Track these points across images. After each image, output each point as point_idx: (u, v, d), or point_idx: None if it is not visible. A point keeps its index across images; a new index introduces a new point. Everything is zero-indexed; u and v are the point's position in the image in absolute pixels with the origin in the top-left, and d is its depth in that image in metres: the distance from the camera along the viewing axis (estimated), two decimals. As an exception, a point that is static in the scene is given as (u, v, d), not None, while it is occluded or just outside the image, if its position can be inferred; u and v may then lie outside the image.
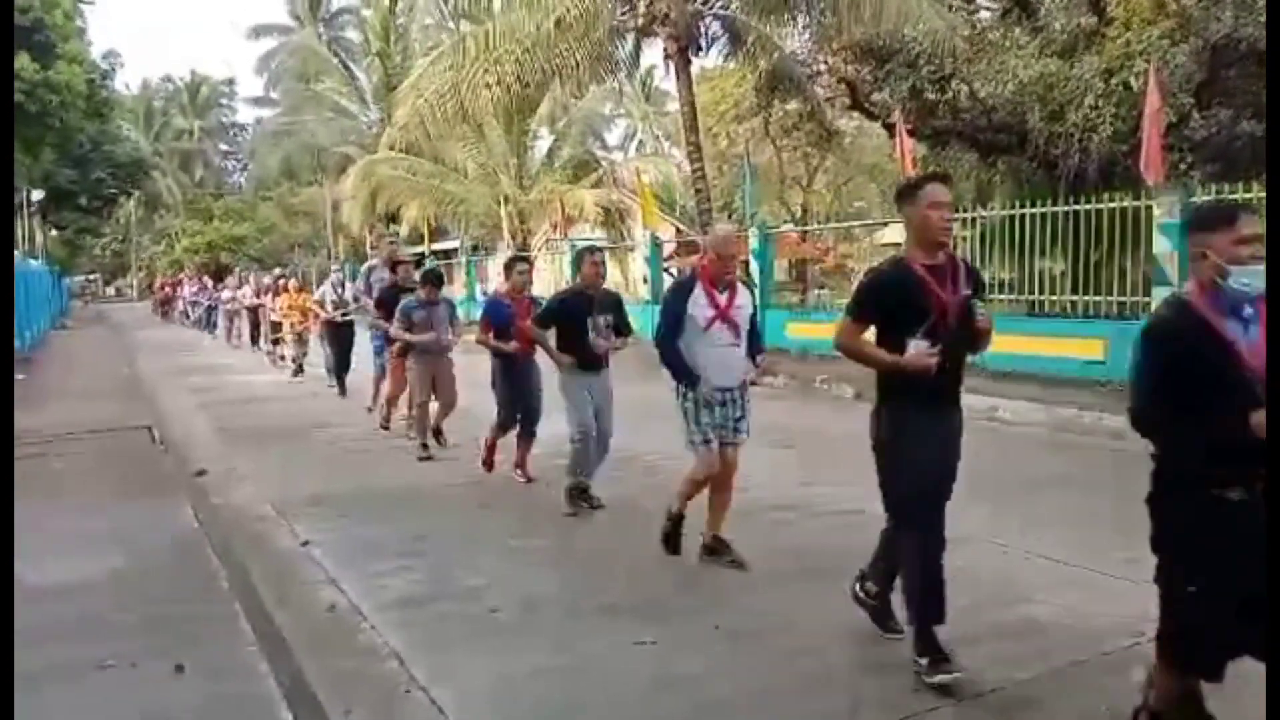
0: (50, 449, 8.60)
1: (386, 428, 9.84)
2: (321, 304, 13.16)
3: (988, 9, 18.58)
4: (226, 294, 23.89)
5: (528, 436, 7.33)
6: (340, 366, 12.76)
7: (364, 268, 11.24)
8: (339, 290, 13.01)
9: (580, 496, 6.38)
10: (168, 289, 39.09)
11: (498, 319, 7.14)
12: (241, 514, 6.69)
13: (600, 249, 6.89)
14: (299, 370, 15.72)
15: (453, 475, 7.69)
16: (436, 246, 30.08)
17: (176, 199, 64.71)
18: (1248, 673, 2.80)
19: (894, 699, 3.53)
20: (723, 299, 5.01)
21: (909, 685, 3.63)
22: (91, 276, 75.08)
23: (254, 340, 20.97)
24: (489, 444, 7.53)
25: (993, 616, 4.32)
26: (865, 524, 5.93)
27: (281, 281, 18.51)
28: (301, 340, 16.09)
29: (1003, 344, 11.80)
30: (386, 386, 10.06)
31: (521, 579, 5.09)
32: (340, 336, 12.82)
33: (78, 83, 29.08)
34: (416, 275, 9.94)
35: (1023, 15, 16.53)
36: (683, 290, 5.07)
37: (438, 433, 8.73)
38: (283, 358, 17.56)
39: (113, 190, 39.98)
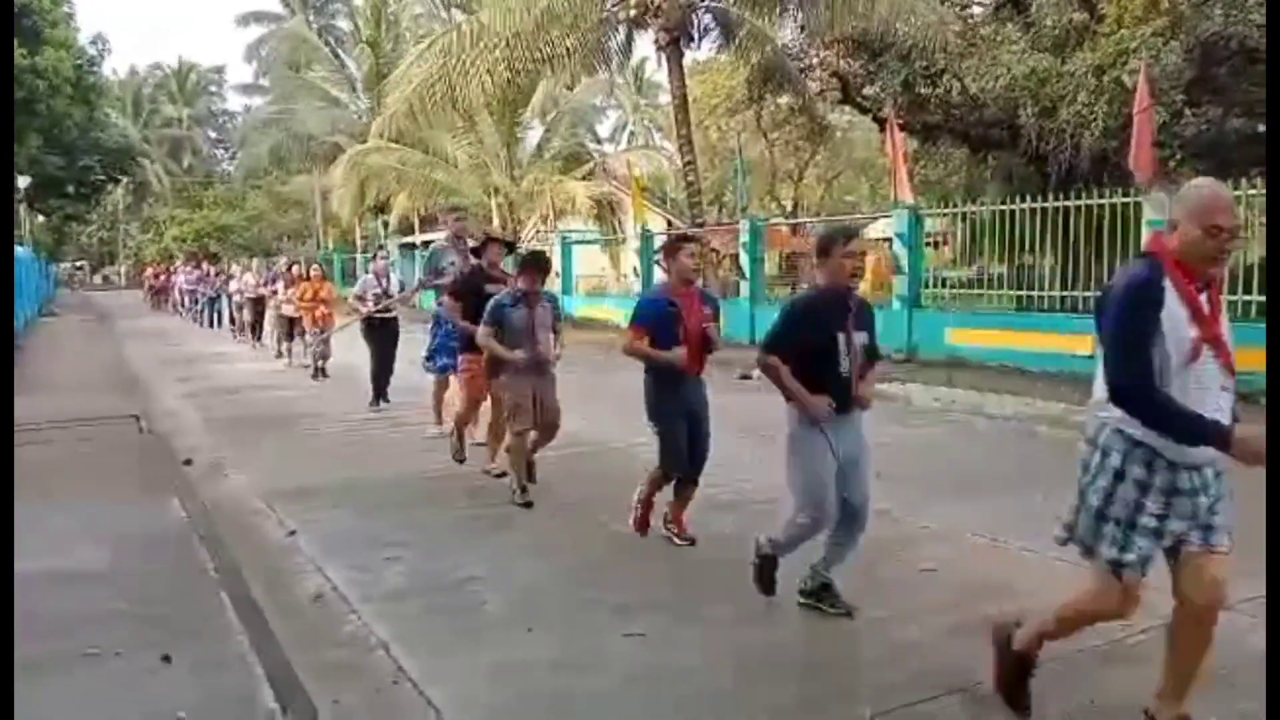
0: (36, 438, 8.54)
1: (462, 460, 7.53)
2: (362, 298, 10.78)
3: (980, 4, 18.61)
4: (234, 285, 21.34)
5: (690, 483, 5.47)
6: (382, 371, 10.66)
7: (429, 250, 8.91)
8: (384, 282, 10.89)
9: (823, 597, 4.35)
10: (161, 276, 37.10)
11: (656, 320, 5.21)
12: (229, 504, 6.66)
13: (857, 232, 4.57)
14: (319, 373, 13.56)
15: (444, 467, 7.66)
16: (426, 237, 29.98)
17: (165, 187, 64.42)
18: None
19: (882, 690, 3.53)
20: (1205, 305, 2.96)
21: (896, 677, 3.63)
22: (79, 264, 74.71)
23: (254, 334, 19.18)
24: (645, 500, 5.53)
25: (982, 610, 4.32)
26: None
27: (296, 268, 15.94)
28: (324, 338, 13.79)
29: (992, 338, 11.97)
30: (458, 403, 7.76)
31: (511, 571, 5.08)
32: (381, 336, 10.68)
33: (65, 68, 28.96)
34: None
35: (1015, 11, 16.55)
36: (1148, 291, 2.90)
37: (530, 467, 6.64)
38: (283, 354, 15.85)
39: (100, 177, 39.70)
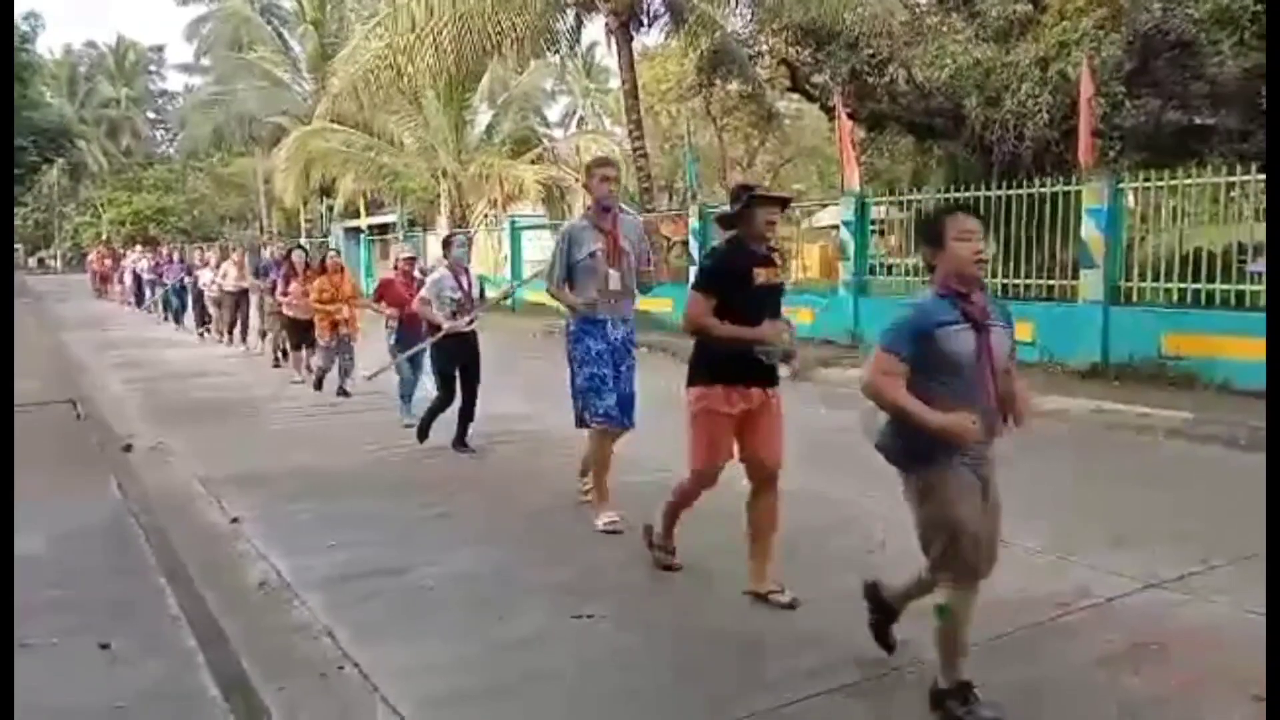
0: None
1: (677, 567, 4.74)
2: (428, 302, 7.57)
3: (926, -7, 18.77)
4: (207, 275, 17.02)
5: None
6: (458, 403, 7.60)
7: (562, 231, 5.75)
8: (464, 282, 7.61)
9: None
10: (106, 261, 33.96)
11: None
12: (171, 490, 6.55)
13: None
14: (341, 391, 10.48)
15: (390, 454, 7.61)
16: (373, 221, 29.61)
17: (103, 168, 62.91)
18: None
19: (824, 671, 3.58)
20: None
21: (839, 658, 3.68)
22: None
23: (230, 334, 16.11)
24: None
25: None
26: (800, 502, 6.03)
27: (298, 255, 12.07)
28: (344, 348, 10.54)
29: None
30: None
31: (458, 556, 5.06)
32: (459, 355, 7.56)
33: (-4, 45, 28.01)
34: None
35: (960, 1, 16.73)
36: None
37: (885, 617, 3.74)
38: (280, 362, 13.03)
39: (34, 158, 38.62)
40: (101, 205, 58.28)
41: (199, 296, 17.84)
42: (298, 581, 4.64)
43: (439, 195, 27.57)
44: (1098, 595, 4.27)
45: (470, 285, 7.66)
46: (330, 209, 34.97)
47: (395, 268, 9.45)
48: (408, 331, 8.64)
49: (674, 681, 3.61)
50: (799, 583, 4.36)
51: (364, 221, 28.54)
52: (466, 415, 7.58)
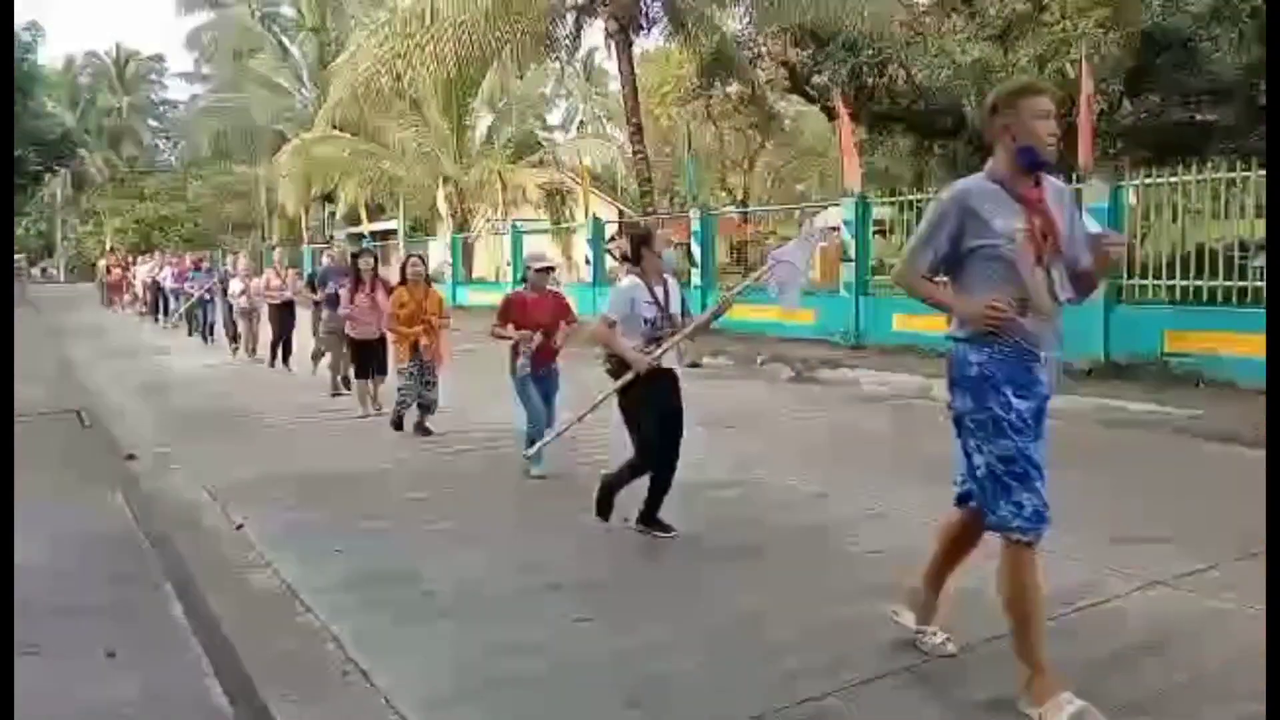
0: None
1: None
2: (613, 323, 5.26)
3: (926, -7, 18.81)
4: (236, 285, 15.16)
5: None
6: (660, 472, 5.32)
7: (954, 192, 3.48)
8: (659, 293, 5.35)
9: None
10: (115, 270, 31.82)
11: None
12: (176, 499, 6.56)
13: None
14: (422, 428, 8.60)
15: (393, 460, 7.62)
16: (374, 227, 29.66)
17: (105, 177, 63.10)
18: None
19: (829, 670, 3.58)
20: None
21: (842, 657, 3.68)
22: (16, 257, 72.83)
23: (280, 355, 13.67)
24: None
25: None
26: (802, 502, 6.05)
27: (366, 263, 9.81)
28: (426, 377, 8.61)
29: (937, 325, 12.11)
30: None
31: (460, 560, 5.07)
32: (660, 399, 5.33)
33: (-2, 56, 28.16)
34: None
35: (960, 0, 16.76)
36: None
37: None
38: (341, 390, 10.93)
39: (37, 167, 38.76)
40: (104, 214, 58.43)
41: (229, 308, 15.95)
42: (302, 588, 4.64)
43: (441, 200, 27.63)
44: (1101, 594, 4.27)
45: (669, 300, 5.40)
46: (332, 215, 35.02)
47: (523, 279, 7.35)
48: (543, 363, 6.79)
49: (675, 684, 3.61)
50: (810, 580, 4.36)
51: (366, 228, 28.60)
52: (661, 486, 5.32)
